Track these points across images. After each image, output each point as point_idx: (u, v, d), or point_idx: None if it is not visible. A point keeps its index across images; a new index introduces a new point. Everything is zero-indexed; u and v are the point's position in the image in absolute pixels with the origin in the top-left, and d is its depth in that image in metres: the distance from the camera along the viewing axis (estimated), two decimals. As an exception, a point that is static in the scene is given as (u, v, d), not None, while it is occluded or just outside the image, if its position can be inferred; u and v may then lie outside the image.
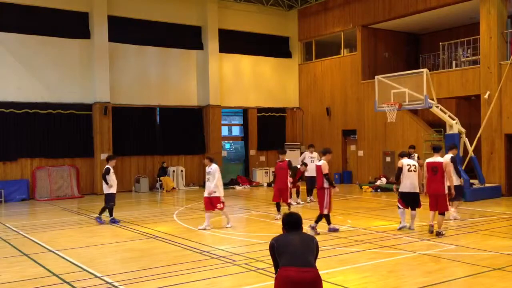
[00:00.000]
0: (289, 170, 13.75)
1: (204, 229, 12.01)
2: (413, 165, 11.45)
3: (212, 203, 12.14)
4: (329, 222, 11.44)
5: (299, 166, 16.68)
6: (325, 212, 11.19)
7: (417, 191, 11.40)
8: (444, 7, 19.53)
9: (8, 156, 19.26)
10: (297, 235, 4.98)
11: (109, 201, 13.32)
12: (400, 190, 11.49)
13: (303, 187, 17.51)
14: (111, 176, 13.29)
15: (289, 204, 13.61)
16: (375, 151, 22.28)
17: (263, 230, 11.94)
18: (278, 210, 13.54)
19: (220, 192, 12.18)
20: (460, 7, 19.29)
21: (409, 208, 11.49)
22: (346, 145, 24.08)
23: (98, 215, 13.35)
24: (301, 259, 4.74)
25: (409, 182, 11.33)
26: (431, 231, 10.92)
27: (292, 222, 5.08)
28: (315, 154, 17.30)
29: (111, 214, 13.37)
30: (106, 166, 13.44)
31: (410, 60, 23.41)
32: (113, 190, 13.34)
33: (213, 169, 12.12)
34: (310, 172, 16.94)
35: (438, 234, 10.67)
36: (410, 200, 11.42)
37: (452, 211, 12.38)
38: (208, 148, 23.54)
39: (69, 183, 20.05)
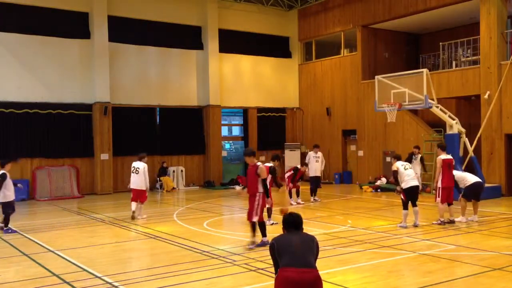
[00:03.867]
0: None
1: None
2: (407, 163, 12.19)
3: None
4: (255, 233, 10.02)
5: (299, 167, 16.69)
6: (254, 219, 9.89)
7: (418, 184, 12.16)
8: (444, 7, 19.52)
9: (8, 156, 19.21)
10: (297, 235, 4.99)
11: (8, 208, 12.24)
12: (404, 187, 11.74)
13: (304, 187, 17.50)
14: (8, 182, 12.26)
15: (268, 209, 12.48)
16: (375, 151, 22.27)
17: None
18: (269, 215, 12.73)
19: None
20: (460, 7, 19.28)
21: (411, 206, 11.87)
22: (346, 145, 24.08)
23: (6, 226, 12.11)
24: (301, 259, 4.74)
25: (410, 178, 11.79)
26: (452, 222, 12.07)
27: (292, 222, 5.09)
28: (319, 154, 17.36)
29: (6, 224, 12.12)
30: (2, 172, 12.16)
31: (410, 60, 23.40)
32: (11, 197, 12.29)
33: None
34: (315, 172, 17.05)
35: (452, 221, 12.07)
36: (413, 194, 11.82)
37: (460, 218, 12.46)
38: (208, 148, 23.55)
39: (69, 183, 20.04)
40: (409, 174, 11.82)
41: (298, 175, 16.42)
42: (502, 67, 17.70)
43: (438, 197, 12.10)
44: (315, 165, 17.10)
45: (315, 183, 17.14)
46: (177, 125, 22.99)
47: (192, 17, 23.48)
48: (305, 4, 25.34)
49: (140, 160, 14.24)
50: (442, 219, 12.09)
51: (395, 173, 11.88)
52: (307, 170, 16.95)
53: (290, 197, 16.58)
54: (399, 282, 7.46)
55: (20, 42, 19.58)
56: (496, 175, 17.77)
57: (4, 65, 19.22)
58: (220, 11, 24.01)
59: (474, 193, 12.38)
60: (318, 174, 17.30)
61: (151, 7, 22.28)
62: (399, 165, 11.94)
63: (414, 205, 11.85)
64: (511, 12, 18.49)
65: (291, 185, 16.30)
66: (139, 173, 13.89)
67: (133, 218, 13.64)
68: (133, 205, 13.81)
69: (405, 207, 11.83)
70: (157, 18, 22.44)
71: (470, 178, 12.48)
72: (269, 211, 12.64)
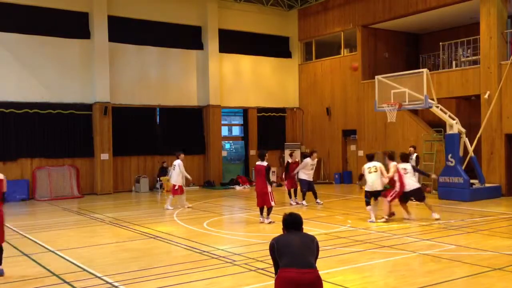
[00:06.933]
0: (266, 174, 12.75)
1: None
2: (374, 166, 12.90)
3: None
4: None
5: (290, 160, 16.75)
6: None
7: (379, 189, 12.87)
8: (444, 7, 19.51)
9: (8, 156, 19.26)
10: (297, 235, 4.97)
11: None
12: (368, 190, 12.92)
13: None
14: None
15: (269, 208, 12.75)
16: (375, 151, 22.21)
17: (263, 230, 11.95)
18: (262, 213, 12.98)
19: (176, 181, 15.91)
20: (460, 7, 19.28)
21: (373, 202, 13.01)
22: (346, 145, 24.08)
23: None
24: (302, 260, 4.73)
25: (370, 181, 12.80)
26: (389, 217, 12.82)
27: (292, 222, 5.07)
28: (315, 161, 16.73)
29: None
30: None
31: (410, 60, 23.40)
32: None
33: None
34: (308, 176, 16.32)
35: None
36: (374, 195, 12.98)
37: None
38: (208, 148, 23.55)
39: (69, 183, 20.05)
40: (371, 178, 12.78)
41: (291, 170, 16.41)
42: (502, 67, 17.69)
43: (390, 196, 12.68)
44: (311, 172, 16.39)
45: (308, 187, 16.44)
46: (177, 125, 22.99)
47: (192, 17, 23.47)
48: (305, 4, 25.33)
49: (177, 157, 16.07)
50: (387, 216, 12.70)
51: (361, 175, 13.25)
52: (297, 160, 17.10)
53: (290, 197, 16.57)
54: (399, 282, 7.46)
55: (20, 42, 19.57)
56: (496, 175, 17.76)
57: (4, 65, 19.22)
58: (220, 11, 24.01)
59: (408, 197, 13.01)
60: (311, 179, 16.56)
61: (151, 7, 22.27)
62: (365, 166, 13.06)
63: (375, 198, 12.99)
64: (511, 12, 18.49)
65: (288, 185, 16.35)
66: (175, 169, 15.89)
67: (184, 206, 15.91)
68: (171, 198, 16.03)
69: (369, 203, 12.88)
70: (157, 18, 22.43)
71: (408, 185, 12.86)
72: (269, 210, 12.65)
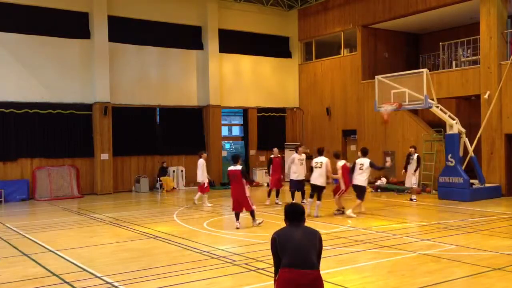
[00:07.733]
0: (243, 179, 12.30)
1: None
2: (320, 162, 13.52)
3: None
4: None
5: (272, 156, 16.86)
6: None
7: (317, 183, 13.49)
8: (444, 7, 19.52)
9: (8, 156, 19.26)
10: (299, 229, 4.83)
11: None
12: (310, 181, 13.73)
13: (287, 188, 17.14)
14: None
15: (251, 212, 12.41)
16: (375, 151, 22.20)
17: (263, 230, 11.94)
18: (237, 218, 12.45)
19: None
20: (460, 7, 19.28)
21: (315, 198, 13.60)
22: (346, 145, 24.07)
23: None
24: (303, 257, 4.66)
25: (313, 176, 13.59)
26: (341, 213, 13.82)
27: (293, 211, 4.94)
28: (303, 156, 16.12)
29: None
30: None
31: (410, 60, 23.40)
32: None
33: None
34: (297, 175, 15.81)
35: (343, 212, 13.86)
36: (315, 190, 13.59)
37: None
38: (208, 148, 23.55)
39: (69, 183, 20.05)
40: (314, 174, 13.50)
41: (275, 165, 16.49)
42: (502, 67, 17.69)
43: (338, 194, 13.85)
44: (300, 168, 15.76)
45: (296, 187, 15.90)
46: (177, 125, 23.00)
47: (192, 17, 23.48)
48: (305, 4, 25.34)
49: (200, 157, 16.46)
50: (342, 209, 13.79)
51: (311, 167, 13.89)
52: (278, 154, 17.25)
53: (277, 196, 16.48)
54: (399, 282, 7.46)
55: (20, 42, 19.57)
56: (496, 175, 17.76)
57: (4, 65, 19.22)
58: (220, 11, 24.01)
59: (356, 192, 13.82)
60: (302, 177, 15.98)
61: (151, 7, 22.28)
62: (314, 160, 13.89)
63: (318, 199, 13.53)
64: (511, 12, 18.49)
65: (272, 184, 16.49)
66: (198, 168, 16.36)
67: (195, 203, 16.55)
68: (197, 195, 16.62)
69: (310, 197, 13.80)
70: (157, 18, 22.44)
71: (356, 179, 13.64)
72: (252, 214, 12.47)
